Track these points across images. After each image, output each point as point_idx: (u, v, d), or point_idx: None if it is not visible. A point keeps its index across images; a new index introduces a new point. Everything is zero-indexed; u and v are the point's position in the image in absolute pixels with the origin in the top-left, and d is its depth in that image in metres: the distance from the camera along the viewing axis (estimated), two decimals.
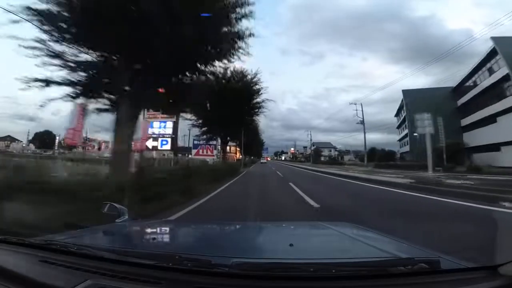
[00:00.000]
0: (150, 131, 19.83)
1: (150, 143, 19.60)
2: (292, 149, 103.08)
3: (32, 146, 46.22)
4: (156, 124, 20.62)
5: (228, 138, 18.75)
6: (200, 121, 17.22)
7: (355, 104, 35.70)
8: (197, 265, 0.70)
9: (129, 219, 1.37)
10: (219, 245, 1.15)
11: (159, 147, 20.47)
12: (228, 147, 44.06)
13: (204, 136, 18.47)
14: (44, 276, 0.71)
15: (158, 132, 20.86)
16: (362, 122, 34.93)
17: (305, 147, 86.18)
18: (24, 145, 47.03)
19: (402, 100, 40.00)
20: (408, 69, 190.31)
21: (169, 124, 20.81)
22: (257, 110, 18.07)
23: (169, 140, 20.56)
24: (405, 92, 38.16)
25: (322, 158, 68.20)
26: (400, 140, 46.16)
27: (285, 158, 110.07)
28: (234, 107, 15.08)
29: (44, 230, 1.21)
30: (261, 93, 16.83)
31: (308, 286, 0.68)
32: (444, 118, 27.08)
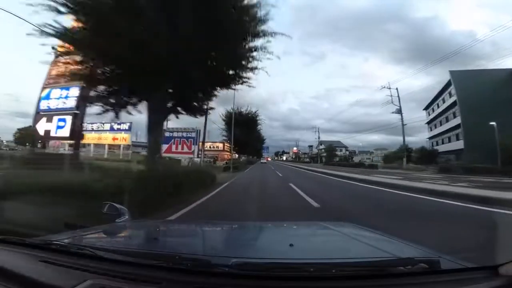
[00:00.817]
0: (44, 104, 11.71)
1: (42, 126, 11.60)
2: (295, 148, 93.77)
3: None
4: (55, 92, 11.34)
5: (172, 103, 7.40)
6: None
7: (389, 88, 29.50)
8: (197, 265, 0.70)
9: (129, 219, 1.37)
10: (219, 245, 1.15)
11: (53, 133, 11.34)
12: (221, 144, 32.42)
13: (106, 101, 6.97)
14: (44, 276, 0.71)
15: (56, 105, 11.39)
16: (399, 111, 28.97)
17: (310, 146, 79.00)
18: (3, 141, 46.80)
19: (449, 82, 31.43)
20: (410, 69, 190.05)
21: (74, 91, 10.79)
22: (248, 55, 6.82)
23: (68, 119, 10.99)
24: (455, 74, 30.49)
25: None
26: (433, 137, 37.58)
27: (286, 159, 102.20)
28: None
29: (44, 230, 1.21)
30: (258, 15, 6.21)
31: (308, 286, 0.68)
32: (505, 106, 22.77)
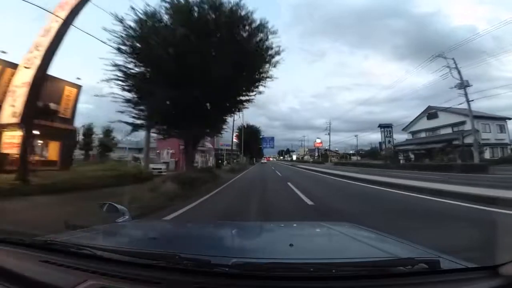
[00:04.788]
0: None
1: None
2: (318, 140, 57.58)
3: None
4: None
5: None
6: None
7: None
8: (197, 265, 0.70)
9: (129, 219, 1.37)
10: (219, 245, 1.15)
11: None
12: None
13: None
14: (44, 276, 0.71)
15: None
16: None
17: (382, 128, 33.66)
18: None
19: None
20: (411, 66, 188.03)
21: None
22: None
23: None
24: None
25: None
26: None
27: (297, 159, 75.76)
28: None
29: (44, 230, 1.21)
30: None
31: (308, 286, 0.68)
32: None
